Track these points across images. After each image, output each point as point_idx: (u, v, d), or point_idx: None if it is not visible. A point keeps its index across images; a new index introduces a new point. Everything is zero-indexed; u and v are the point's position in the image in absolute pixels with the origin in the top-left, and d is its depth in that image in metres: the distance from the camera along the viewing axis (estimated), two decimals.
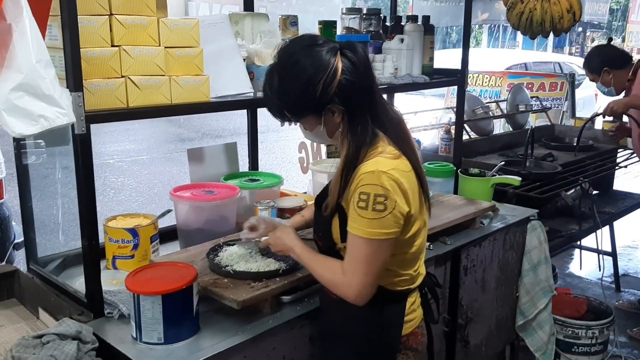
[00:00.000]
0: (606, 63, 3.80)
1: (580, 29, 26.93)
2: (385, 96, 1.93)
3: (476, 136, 4.32)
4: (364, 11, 2.96)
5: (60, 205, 5.59)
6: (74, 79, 1.65)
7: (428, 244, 2.40)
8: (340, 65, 1.56)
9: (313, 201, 1.91)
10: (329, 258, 1.71)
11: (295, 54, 1.60)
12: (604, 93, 3.93)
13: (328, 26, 2.76)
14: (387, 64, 2.72)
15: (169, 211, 2.32)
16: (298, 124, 1.71)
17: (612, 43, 4.04)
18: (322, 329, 1.87)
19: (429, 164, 3.13)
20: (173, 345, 1.68)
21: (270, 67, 1.67)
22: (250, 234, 1.96)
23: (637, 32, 14.27)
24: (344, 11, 2.97)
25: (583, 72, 9.14)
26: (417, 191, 1.62)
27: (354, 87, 1.58)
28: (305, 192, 2.96)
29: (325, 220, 1.69)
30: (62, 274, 2.15)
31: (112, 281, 2.01)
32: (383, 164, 1.55)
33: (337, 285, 1.64)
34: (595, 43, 29.60)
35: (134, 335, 1.70)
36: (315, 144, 3.19)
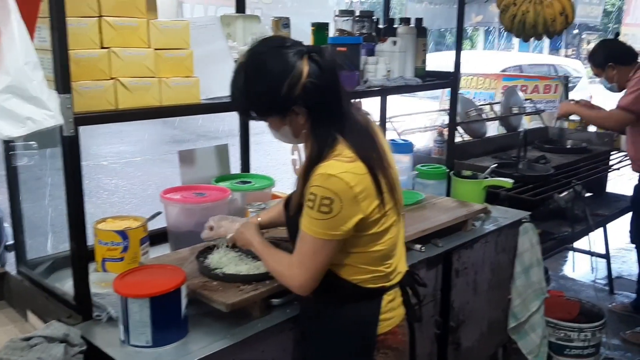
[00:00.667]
0: (611, 58, 3.76)
1: (576, 31, 27.05)
2: (360, 100, 1.91)
3: (469, 138, 4.32)
4: (357, 13, 2.96)
5: (52, 207, 5.58)
6: (62, 81, 1.65)
7: (419, 246, 2.40)
8: (306, 69, 1.58)
9: (280, 200, 1.92)
10: (280, 251, 1.78)
11: (262, 54, 1.62)
12: (607, 88, 3.91)
13: (321, 28, 2.76)
14: (379, 67, 2.72)
15: (159, 213, 2.31)
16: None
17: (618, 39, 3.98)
18: (302, 328, 1.87)
19: (421, 166, 3.13)
20: (161, 348, 1.67)
21: (237, 65, 1.68)
22: (210, 233, 2.00)
23: (633, 34, 14.29)
24: (337, 13, 2.97)
25: (577, 74, 9.21)
26: (374, 194, 1.61)
27: (318, 90, 1.60)
28: None
29: (293, 221, 1.71)
30: (51, 277, 2.14)
31: (101, 284, 1.99)
32: (334, 167, 1.57)
33: (283, 276, 1.71)
34: (592, 45, 29.74)
35: (122, 338, 1.69)
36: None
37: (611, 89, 3.84)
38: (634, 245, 4.17)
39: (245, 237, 1.87)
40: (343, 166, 1.57)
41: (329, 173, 1.56)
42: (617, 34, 4.12)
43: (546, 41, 23.48)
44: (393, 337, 1.76)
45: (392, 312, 1.75)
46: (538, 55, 14.48)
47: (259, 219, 2.00)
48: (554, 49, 25.13)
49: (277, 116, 1.65)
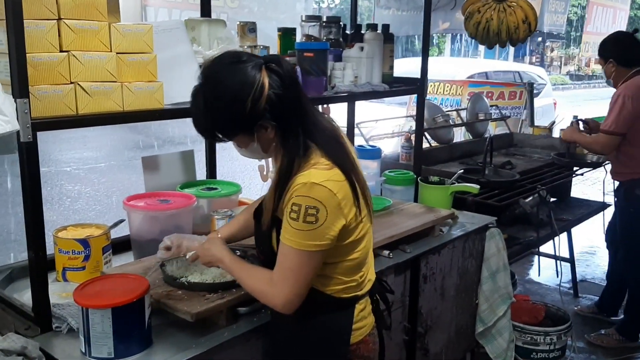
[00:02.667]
0: (615, 55, 3.69)
1: (540, 39, 27.60)
2: (327, 106, 1.88)
3: (437, 144, 4.35)
4: (324, 19, 2.95)
5: (13, 214, 5.44)
6: (19, 85, 1.60)
7: (387, 252, 2.39)
8: (267, 80, 1.54)
9: (240, 212, 1.87)
10: (258, 268, 1.71)
11: (218, 73, 1.56)
12: (605, 81, 3.90)
13: (287, 34, 2.75)
14: (347, 72, 2.71)
15: (121, 221, 2.26)
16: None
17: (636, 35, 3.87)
18: (272, 341, 1.83)
19: (389, 171, 3.13)
20: None
21: (194, 88, 1.61)
22: (167, 254, 1.90)
23: (593, 42, 14.68)
24: (304, 19, 2.95)
25: (542, 81, 9.35)
26: (352, 200, 1.60)
27: (282, 100, 1.56)
28: None
29: (265, 233, 1.67)
30: (9, 287, 2.07)
31: (61, 294, 1.94)
32: (316, 175, 1.54)
33: (265, 295, 1.63)
34: (555, 53, 30.39)
35: (83, 351, 1.64)
36: None
37: (608, 83, 3.83)
38: (606, 248, 4.25)
39: (212, 253, 1.77)
40: (324, 174, 1.54)
41: (312, 181, 1.52)
42: (636, 30, 3.93)
43: (511, 49, 23.93)
44: (364, 345, 1.74)
45: (363, 321, 1.74)
46: (503, 63, 14.70)
47: (219, 235, 1.92)
48: (519, 57, 25.60)
49: (245, 134, 1.60)
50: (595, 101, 17.85)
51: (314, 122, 1.65)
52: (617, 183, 3.75)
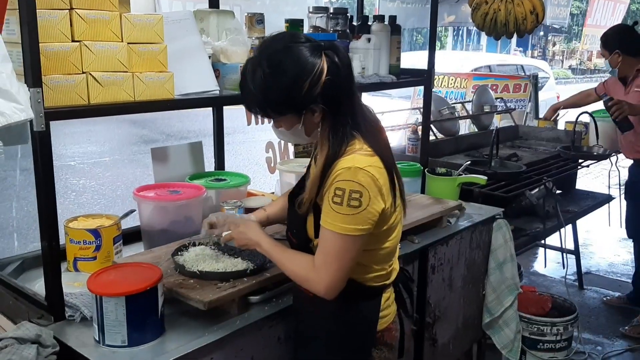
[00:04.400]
0: (620, 45, 3.80)
1: (542, 33, 27.53)
2: None
3: (442, 137, 4.35)
4: (331, 10, 2.95)
5: (20, 207, 5.45)
6: (32, 75, 1.60)
7: None
8: (325, 66, 1.55)
9: (277, 198, 1.87)
10: (299, 253, 1.70)
11: (280, 52, 1.57)
12: (609, 72, 4.02)
13: (295, 25, 2.74)
14: (354, 64, 2.69)
15: (132, 211, 2.27)
16: (271, 123, 1.70)
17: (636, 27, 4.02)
18: (296, 328, 1.85)
19: (396, 163, 3.13)
20: (137, 348, 1.64)
21: (252, 61, 1.62)
22: (211, 231, 1.91)
23: (593, 35, 14.66)
24: (311, 10, 2.95)
25: (545, 74, 9.34)
26: (389, 188, 1.62)
27: (337, 88, 1.58)
28: (272, 192, 2.93)
29: (300, 217, 1.68)
30: (21, 277, 2.08)
31: (73, 283, 1.95)
32: (360, 160, 1.56)
33: (307, 280, 1.64)
34: (557, 47, 30.30)
35: (97, 339, 1.65)
36: (282, 143, 3.17)
37: (612, 73, 3.93)
38: (631, 240, 4.32)
39: (249, 236, 1.77)
40: (367, 160, 1.56)
41: (357, 166, 1.54)
42: (636, 23, 4.11)
43: (513, 42, 23.89)
44: (388, 333, 1.78)
45: (388, 309, 1.77)
46: (506, 56, 14.69)
47: (266, 211, 1.95)
48: (520, 51, 25.54)
49: (293, 115, 1.61)
50: None
51: (361, 112, 1.67)
52: (625, 171, 3.79)
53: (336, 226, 1.55)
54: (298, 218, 1.70)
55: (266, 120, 3.23)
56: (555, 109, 4.60)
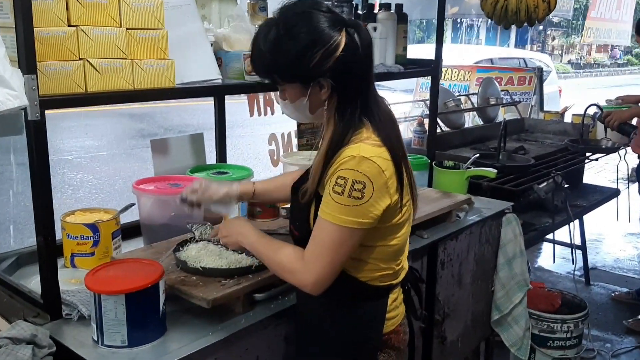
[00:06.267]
0: None
1: (541, 27, 27.46)
2: None
3: (448, 129, 4.27)
4: None
5: (15, 203, 5.37)
6: (27, 61, 1.51)
7: None
8: (343, 42, 1.46)
9: (282, 175, 1.82)
10: (286, 244, 1.62)
11: (299, 15, 1.49)
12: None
13: None
14: None
15: (131, 205, 2.19)
16: (278, 97, 1.63)
17: None
18: (298, 328, 1.77)
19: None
20: (138, 348, 1.56)
21: (268, 21, 1.55)
22: (192, 195, 1.83)
23: (595, 28, 14.56)
24: None
25: (547, 68, 9.27)
26: (397, 182, 1.52)
27: (351, 67, 1.50)
28: None
29: (303, 208, 1.59)
30: (16, 274, 2.00)
31: (70, 280, 1.87)
32: (366, 149, 1.46)
33: (292, 272, 1.54)
34: (556, 42, 30.21)
35: (95, 338, 1.57)
36: (285, 135, 3.09)
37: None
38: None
39: (236, 229, 1.70)
40: (374, 150, 1.47)
41: (362, 155, 1.44)
42: None
43: (512, 37, 23.83)
44: (396, 336, 1.68)
45: (395, 310, 1.68)
46: (508, 49, 14.61)
47: (254, 185, 1.88)
48: (520, 44, 25.48)
49: (300, 84, 1.53)
50: (598, 89, 17.78)
51: (374, 100, 1.58)
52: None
53: (334, 217, 1.46)
54: (301, 209, 1.61)
55: (269, 112, 3.18)
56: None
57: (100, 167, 7.49)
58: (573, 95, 10.06)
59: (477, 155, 3.14)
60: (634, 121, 3.89)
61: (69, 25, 1.67)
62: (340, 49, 1.46)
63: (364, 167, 1.44)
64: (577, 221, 4.24)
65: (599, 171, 7.91)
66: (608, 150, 4.15)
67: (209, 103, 2.75)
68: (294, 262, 1.53)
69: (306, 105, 1.55)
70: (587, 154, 4.13)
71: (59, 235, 1.81)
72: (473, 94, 5.09)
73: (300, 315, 1.74)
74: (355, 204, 1.44)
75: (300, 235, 1.63)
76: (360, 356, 1.65)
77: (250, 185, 1.92)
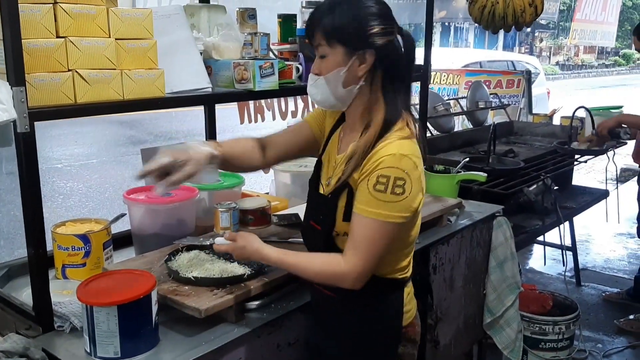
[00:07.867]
0: None
1: (528, 29, 27.63)
2: None
3: (437, 133, 4.28)
4: None
5: (3, 213, 5.33)
6: (15, 73, 1.51)
7: None
8: (396, 34, 1.57)
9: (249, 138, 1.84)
10: (313, 253, 1.66)
11: None
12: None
13: (288, 20, 2.67)
14: None
15: (122, 215, 2.18)
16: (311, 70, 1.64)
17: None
18: (315, 329, 1.78)
19: None
20: (131, 359, 1.55)
21: None
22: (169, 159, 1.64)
23: (581, 29, 14.66)
24: (304, 5, 2.87)
25: (535, 70, 9.33)
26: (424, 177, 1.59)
27: (397, 57, 1.58)
28: (267, 193, 2.85)
29: (329, 200, 1.61)
30: (7, 286, 1.98)
31: (62, 292, 1.86)
32: (404, 146, 1.51)
33: (335, 275, 1.56)
34: (544, 44, 30.40)
35: (88, 350, 1.56)
36: None
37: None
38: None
39: (250, 252, 1.65)
40: (412, 147, 1.53)
41: (402, 153, 1.49)
42: None
43: (500, 39, 23.95)
44: (412, 329, 1.74)
45: (410, 303, 1.73)
46: (496, 52, 14.68)
47: (221, 147, 1.73)
48: (508, 47, 25.61)
49: (344, 52, 1.54)
50: (586, 90, 17.89)
51: (410, 96, 1.68)
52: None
53: (378, 214, 1.50)
54: (326, 201, 1.63)
55: (259, 118, 3.17)
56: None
57: (90, 175, 7.46)
58: (561, 97, 10.13)
59: (467, 159, 3.15)
60: None
61: (58, 37, 1.67)
62: (394, 36, 1.56)
63: (404, 164, 1.49)
64: (567, 223, 4.27)
65: (588, 172, 7.96)
66: (597, 153, 4.16)
67: (199, 109, 2.75)
68: (334, 266, 1.56)
69: (341, 78, 1.57)
70: (576, 156, 4.15)
71: (49, 246, 1.81)
72: (462, 97, 5.11)
73: (318, 316, 1.77)
74: (398, 200, 1.49)
75: (322, 229, 1.64)
76: (384, 350, 1.68)
77: (217, 148, 1.74)
